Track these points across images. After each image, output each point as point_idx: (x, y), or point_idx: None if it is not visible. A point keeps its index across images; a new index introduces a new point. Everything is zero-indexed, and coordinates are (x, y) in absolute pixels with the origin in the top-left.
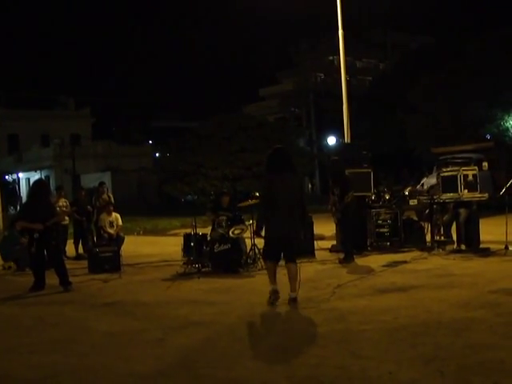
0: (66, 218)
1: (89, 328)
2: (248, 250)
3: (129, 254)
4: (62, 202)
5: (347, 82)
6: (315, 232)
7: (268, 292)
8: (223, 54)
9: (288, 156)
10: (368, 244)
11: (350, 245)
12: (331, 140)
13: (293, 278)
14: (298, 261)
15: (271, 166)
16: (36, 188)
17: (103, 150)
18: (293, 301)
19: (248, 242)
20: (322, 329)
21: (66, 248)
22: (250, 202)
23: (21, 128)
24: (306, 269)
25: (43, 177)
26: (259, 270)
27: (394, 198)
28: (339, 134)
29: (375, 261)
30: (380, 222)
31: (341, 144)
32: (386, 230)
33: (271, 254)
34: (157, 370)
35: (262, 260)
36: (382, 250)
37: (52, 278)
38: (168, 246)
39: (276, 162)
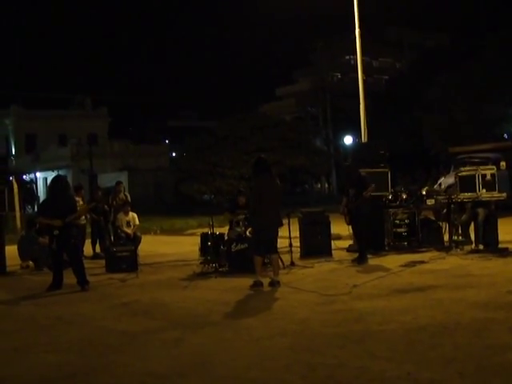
0: (83, 217)
1: (106, 327)
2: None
3: (146, 254)
4: (80, 202)
5: (364, 81)
6: (332, 232)
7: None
8: (239, 54)
9: (268, 163)
10: (385, 244)
11: (364, 245)
12: (348, 139)
13: (275, 265)
14: (315, 260)
15: (257, 171)
16: (55, 184)
17: (120, 150)
18: (277, 283)
19: None
20: (340, 329)
21: (84, 247)
22: None
23: (38, 128)
24: (323, 268)
25: None
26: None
27: (411, 197)
28: (356, 133)
29: (393, 261)
30: (397, 221)
31: (357, 143)
32: (403, 229)
33: (258, 248)
34: (174, 370)
35: (279, 259)
36: (399, 249)
37: (69, 278)
38: (185, 245)
39: (260, 168)
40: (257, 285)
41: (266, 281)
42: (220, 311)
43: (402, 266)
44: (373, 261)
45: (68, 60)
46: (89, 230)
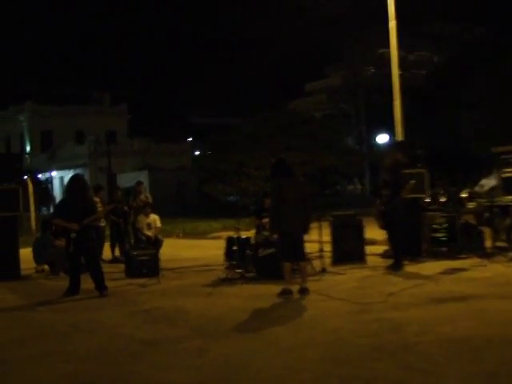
0: (102, 219)
1: (126, 335)
2: None
3: (168, 258)
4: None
5: (399, 75)
6: (366, 236)
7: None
8: (266, 48)
9: (289, 164)
10: (422, 250)
11: (400, 251)
12: (382, 138)
13: (304, 272)
14: (347, 267)
15: (276, 172)
16: (73, 183)
17: (140, 148)
18: (305, 290)
19: None
20: (375, 340)
21: (102, 251)
22: None
23: (54, 124)
24: (356, 275)
25: None
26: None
27: (451, 200)
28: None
29: (431, 268)
30: (435, 226)
31: (392, 142)
32: (441, 234)
33: (285, 254)
34: (196, 381)
35: (310, 264)
36: (437, 256)
37: (87, 283)
38: (209, 249)
39: (280, 169)
40: (286, 292)
41: (295, 288)
42: (246, 320)
43: (440, 273)
44: (409, 268)
45: (85, 55)
46: (108, 232)
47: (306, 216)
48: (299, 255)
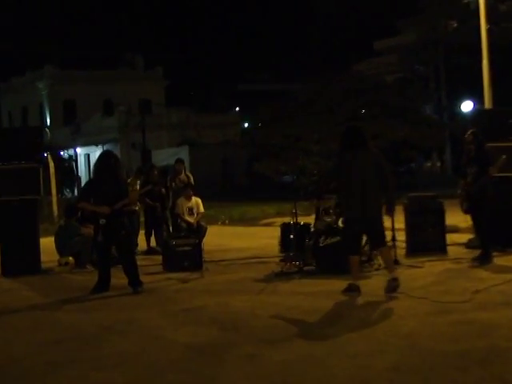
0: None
1: (165, 339)
2: (363, 244)
3: (212, 248)
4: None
5: (488, 30)
6: (447, 222)
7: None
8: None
9: (364, 135)
10: None
11: (488, 240)
12: (466, 105)
13: (388, 259)
14: (425, 259)
15: (347, 144)
16: (103, 161)
17: (179, 120)
18: (394, 280)
19: None
20: (459, 346)
21: (138, 240)
22: None
23: (79, 93)
24: (435, 269)
25: None
26: (376, 269)
27: None
28: (477, 97)
29: None
30: None
31: (479, 110)
32: None
33: (353, 245)
34: None
35: (379, 257)
36: None
37: (118, 277)
38: (261, 238)
39: (349, 140)
40: (352, 289)
41: (364, 284)
42: (305, 321)
43: None
44: (499, 260)
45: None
46: (142, 218)
47: (387, 196)
48: (379, 241)
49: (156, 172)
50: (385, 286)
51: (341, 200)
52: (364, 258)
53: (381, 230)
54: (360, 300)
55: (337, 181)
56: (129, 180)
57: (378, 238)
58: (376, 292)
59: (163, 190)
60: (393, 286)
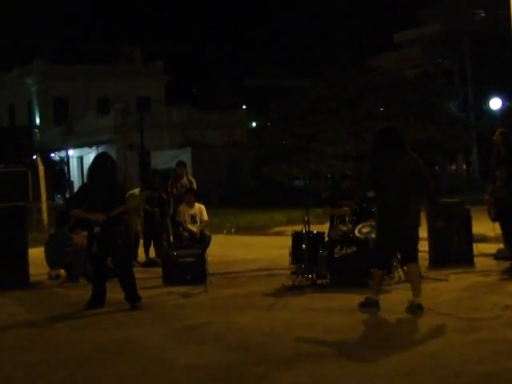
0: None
1: (165, 359)
2: None
3: (217, 260)
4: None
5: None
6: (473, 231)
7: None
8: None
9: (402, 136)
10: None
11: None
12: (495, 103)
13: (415, 278)
14: (450, 271)
15: (382, 146)
16: (98, 164)
17: (181, 119)
18: (418, 308)
19: None
20: (487, 367)
21: (138, 251)
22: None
23: (71, 89)
24: (461, 282)
25: None
26: (397, 282)
27: None
28: (507, 94)
29: None
30: None
31: (509, 108)
32: None
33: (382, 259)
34: None
35: (400, 269)
36: None
37: (114, 292)
38: (270, 248)
39: (387, 143)
40: (369, 304)
41: (384, 299)
42: (319, 339)
43: None
44: None
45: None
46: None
47: (429, 196)
48: (410, 256)
49: (157, 176)
50: (406, 306)
51: (376, 210)
52: (392, 275)
53: (415, 244)
54: (379, 316)
55: (371, 188)
56: (133, 192)
57: (410, 252)
58: (396, 308)
59: (164, 195)
60: (414, 310)
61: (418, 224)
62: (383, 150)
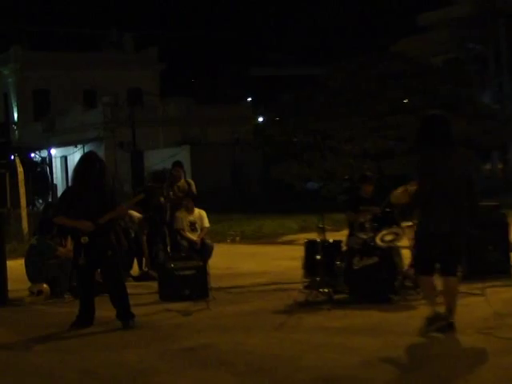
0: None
1: None
2: (406, 267)
3: (220, 272)
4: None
5: None
6: (511, 239)
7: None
8: None
9: (450, 126)
10: None
11: None
12: None
13: (451, 295)
14: (485, 284)
15: (428, 139)
16: (85, 165)
17: (178, 113)
18: (450, 326)
19: (405, 253)
20: None
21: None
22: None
23: (53, 80)
24: (499, 296)
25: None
26: (424, 297)
27: None
28: None
29: None
30: None
31: None
32: None
33: (427, 264)
34: None
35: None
36: None
37: (104, 309)
38: (280, 259)
39: (437, 134)
40: (437, 319)
41: (410, 317)
42: (337, 362)
43: None
44: None
45: None
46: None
47: (473, 208)
48: (452, 266)
49: (149, 177)
50: (428, 317)
51: (422, 211)
52: (409, 284)
53: (459, 252)
54: (406, 336)
55: (422, 187)
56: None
57: (452, 264)
58: (445, 331)
59: (162, 199)
60: (446, 332)
61: (466, 233)
62: (434, 143)
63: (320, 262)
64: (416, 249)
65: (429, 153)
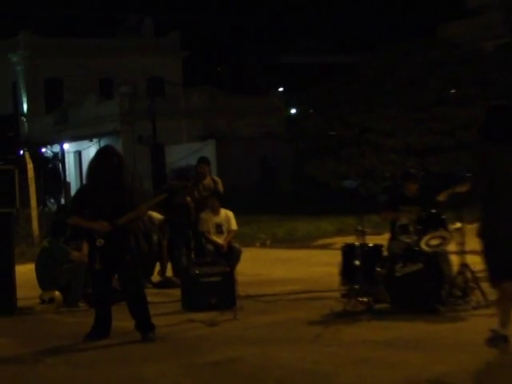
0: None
1: None
2: (455, 274)
3: (249, 279)
4: None
5: None
6: None
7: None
8: None
9: None
10: None
11: None
12: None
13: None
14: None
15: (493, 133)
16: (101, 160)
17: (202, 104)
18: (503, 340)
19: (454, 259)
20: None
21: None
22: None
23: (66, 69)
24: None
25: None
26: (474, 307)
27: None
28: None
29: None
30: None
31: None
32: None
33: (505, 272)
34: None
35: (478, 290)
36: None
37: (122, 319)
38: (314, 265)
39: (503, 127)
40: (497, 339)
41: (458, 329)
42: (379, 378)
43: None
44: None
45: None
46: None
47: None
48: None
49: (170, 174)
50: (487, 338)
51: (485, 210)
52: (457, 293)
53: None
54: (454, 351)
55: (476, 186)
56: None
57: None
58: (475, 339)
59: (188, 198)
60: (499, 347)
61: None
62: (501, 137)
63: (359, 269)
64: (485, 253)
65: (492, 148)
